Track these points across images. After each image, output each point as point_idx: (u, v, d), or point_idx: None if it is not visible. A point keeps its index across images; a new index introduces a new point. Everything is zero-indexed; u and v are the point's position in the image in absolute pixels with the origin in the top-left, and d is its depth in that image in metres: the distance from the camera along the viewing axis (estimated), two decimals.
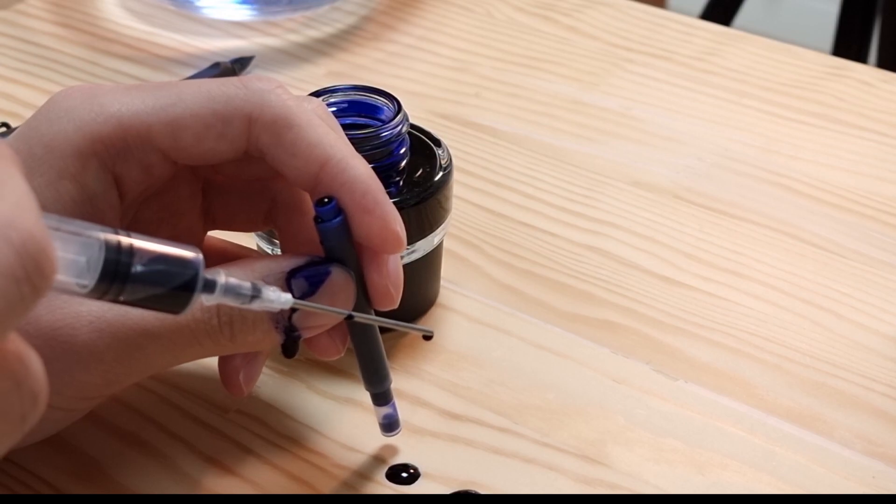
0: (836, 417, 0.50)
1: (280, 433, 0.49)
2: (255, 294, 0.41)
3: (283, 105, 0.44)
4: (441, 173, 0.53)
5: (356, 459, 0.48)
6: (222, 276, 0.40)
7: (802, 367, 0.53)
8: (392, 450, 0.48)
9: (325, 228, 0.44)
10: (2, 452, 0.31)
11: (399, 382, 0.51)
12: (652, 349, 0.53)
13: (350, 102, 0.53)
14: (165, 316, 0.41)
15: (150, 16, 0.78)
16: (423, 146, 0.54)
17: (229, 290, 0.40)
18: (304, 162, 0.44)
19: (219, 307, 0.43)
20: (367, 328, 0.46)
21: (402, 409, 0.50)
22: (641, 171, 0.65)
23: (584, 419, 0.50)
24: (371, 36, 0.77)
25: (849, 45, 1.41)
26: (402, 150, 0.52)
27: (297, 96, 0.46)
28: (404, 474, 0.47)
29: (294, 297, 0.42)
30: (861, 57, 1.40)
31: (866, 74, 0.74)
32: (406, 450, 0.48)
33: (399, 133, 0.51)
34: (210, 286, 0.39)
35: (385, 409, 0.47)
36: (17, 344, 0.31)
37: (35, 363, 0.31)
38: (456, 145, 0.65)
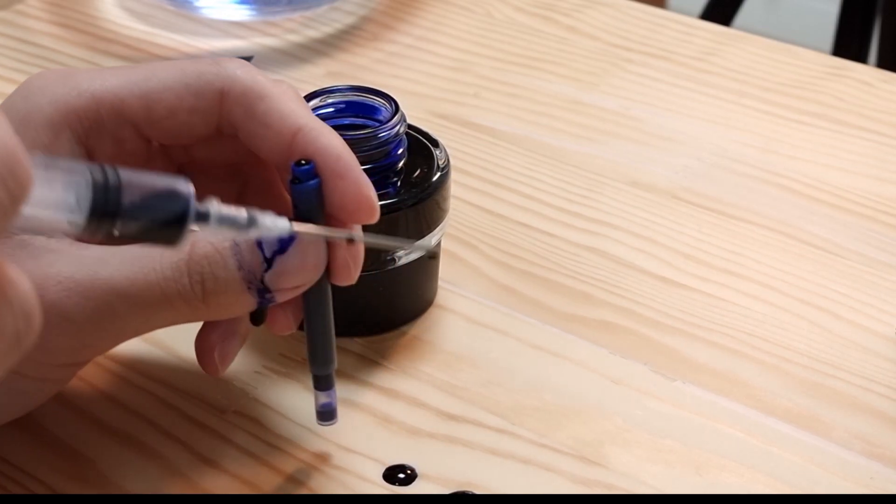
0: (834, 418, 0.50)
1: (277, 434, 0.49)
2: (251, 222, 0.40)
3: (253, 79, 0.45)
4: (439, 174, 0.53)
5: (353, 460, 0.48)
6: (215, 205, 0.40)
7: (801, 368, 0.53)
8: (389, 451, 0.48)
9: (302, 189, 0.44)
10: (1, 375, 0.31)
11: (396, 383, 0.51)
12: (650, 350, 0.53)
13: (347, 103, 0.53)
14: (135, 276, 0.42)
15: (149, 16, 0.78)
16: (421, 147, 0.54)
17: (224, 220, 0.40)
18: (276, 132, 0.44)
19: (189, 266, 0.43)
20: (320, 305, 0.46)
21: (400, 410, 0.50)
22: (640, 172, 0.65)
23: (581, 420, 0.50)
24: (370, 36, 0.77)
25: (849, 45, 1.41)
26: (400, 151, 0.52)
27: (268, 76, 0.46)
28: (401, 475, 0.47)
29: (265, 255, 0.42)
30: (861, 57, 1.40)
31: (866, 74, 0.74)
32: (403, 451, 0.48)
33: (397, 134, 0.51)
34: (204, 216, 0.39)
35: (325, 396, 0.47)
36: (7, 269, 0.30)
37: (24, 282, 0.31)
38: (454, 145, 0.65)
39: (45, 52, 0.75)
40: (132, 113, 0.45)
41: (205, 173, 0.48)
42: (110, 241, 0.37)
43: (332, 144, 0.44)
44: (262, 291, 0.44)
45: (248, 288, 0.44)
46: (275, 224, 0.41)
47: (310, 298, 0.46)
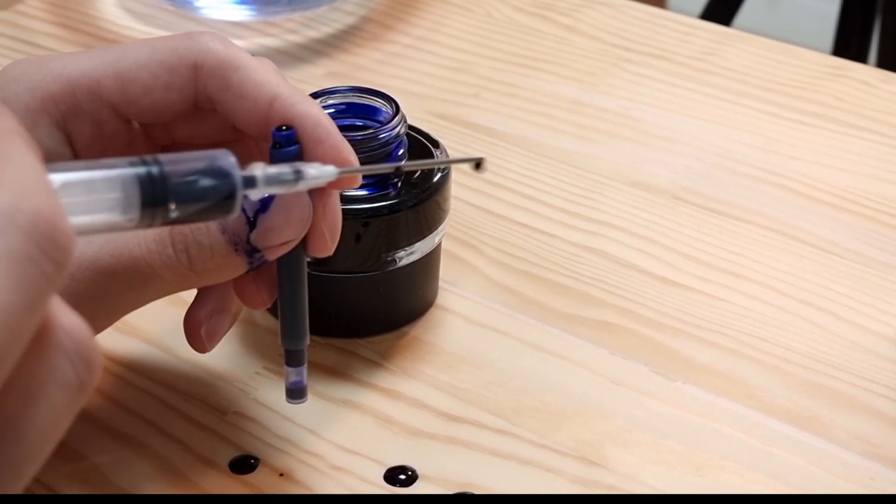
0: (834, 418, 0.50)
1: (277, 435, 0.49)
2: (298, 175, 0.41)
3: (226, 50, 0.45)
4: (439, 174, 0.53)
5: (354, 461, 0.48)
6: (259, 168, 0.40)
7: (800, 368, 0.53)
8: (390, 452, 0.48)
9: (282, 154, 0.43)
10: (67, 423, 0.31)
11: (397, 384, 0.51)
12: (650, 350, 0.53)
13: (348, 104, 0.53)
14: (120, 252, 0.42)
15: (149, 16, 0.78)
16: (422, 147, 0.54)
17: (271, 180, 0.40)
18: (252, 102, 0.44)
19: (172, 236, 0.43)
20: (293, 277, 0.45)
21: (400, 411, 0.50)
22: (640, 172, 0.65)
23: (582, 420, 0.50)
24: (370, 36, 0.77)
25: (849, 45, 1.41)
26: (401, 152, 0.52)
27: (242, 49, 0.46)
28: (402, 476, 0.47)
29: (248, 216, 0.43)
30: (861, 57, 1.40)
31: (866, 74, 0.74)
32: (404, 451, 0.48)
33: (397, 135, 0.51)
34: (251, 181, 0.39)
35: (295, 374, 0.46)
36: (60, 315, 0.30)
37: (81, 329, 0.31)
38: (455, 146, 0.65)
39: (45, 51, 0.75)
40: (108, 93, 0.45)
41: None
42: (168, 225, 0.38)
43: (309, 112, 0.44)
44: (251, 252, 0.44)
45: (236, 250, 0.44)
46: (321, 172, 0.41)
47: (283, 270, 0.45)
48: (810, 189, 0.64)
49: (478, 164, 0.43)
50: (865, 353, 0.54)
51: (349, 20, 0.78)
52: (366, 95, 0.53)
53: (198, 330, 0.46)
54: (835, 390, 0.52)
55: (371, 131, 0.51)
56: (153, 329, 0.53)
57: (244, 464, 0.47)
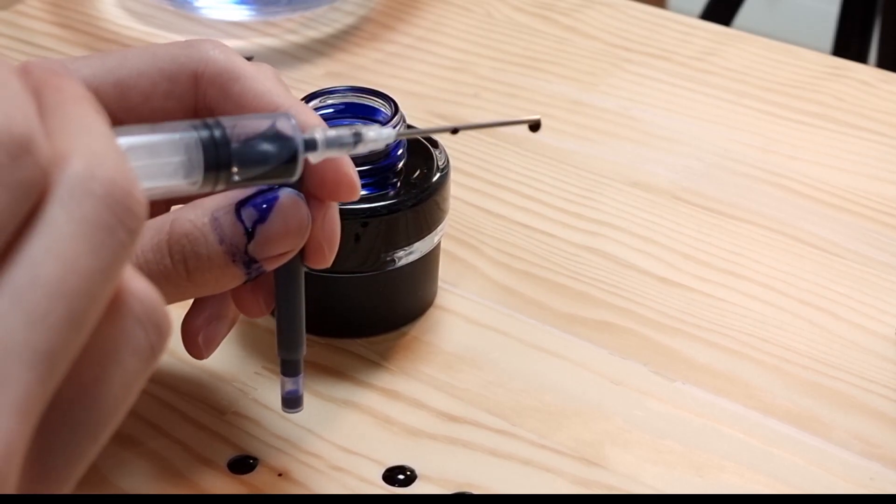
0: (834, 418, 0.50)
1: (277, 435, 0.49)
2: (357, 138, 0.41)
3: (227, 59, 0.45)
4: (438, 174, 0.53)
5: (353, 461, 0.48)
6: (319, 132, 0.40)
7: (800, 368, 0.53)
8: (389, 452, 0.48)
9: None
10: (140, 387, 0.31)
11: (396, 384, 0.51)
12: (650, 350, 0.53)
13: (347, 104, 0.53)
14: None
15: (149, 16, 0.78)
16: (421, 147, 0.54)
17: (332, 143, 0.40)
18: (252, 112, 0.44)
19: (170, 245, 0.43)
20: (291, 287, 0.45)
21: (400, 411, 0.50)
22: (640, 172, 0.65)
23: (581, 421, 0.50)
24: (370, 36, 0.77)
25: (849, 45, 1.41)
26: (400, 152, 0.52)
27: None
28: (401, 476, 0.47)
29: (246, 226, 0.43)
30: (861, 57, 1.40)
31: (866, 74, 0.73)
32: (403, 451, 0.48)
33: None
34: (312, 144, 0.40)
35: (291, 383, 0.46)
36: (131, 281, 0.31)
37: (151, 295, 0.31)
38: (454, 145, 0.65)
39: (45, 52, 0.75)
40: (107, 101, 0.44)
41: None
42: (231, 188, 0.38)
43: (309, 123, 0.44)
44: (249, 263, 0.44)
45: (233, 261, 0.44)
46: (379, 134, 0.41)
47: (280, 280, 0.45)
48: (810, 189, 0.64)
49: (534, 126, 0.43)
50: (865, 353, 0.54)
51: (349, 20, 0.78)
52: (365, 95, 0.53)
53: (195, 337, 0.46)
54: (835, 390, 0.52)
55: None
56: None
57: (243, 464, 0.47)
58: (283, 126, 0.39)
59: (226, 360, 0.52)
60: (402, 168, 0.52)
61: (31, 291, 0.28)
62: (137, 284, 0.31)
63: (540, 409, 0.50)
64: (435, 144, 0.54)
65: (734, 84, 0.72)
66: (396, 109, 0.52)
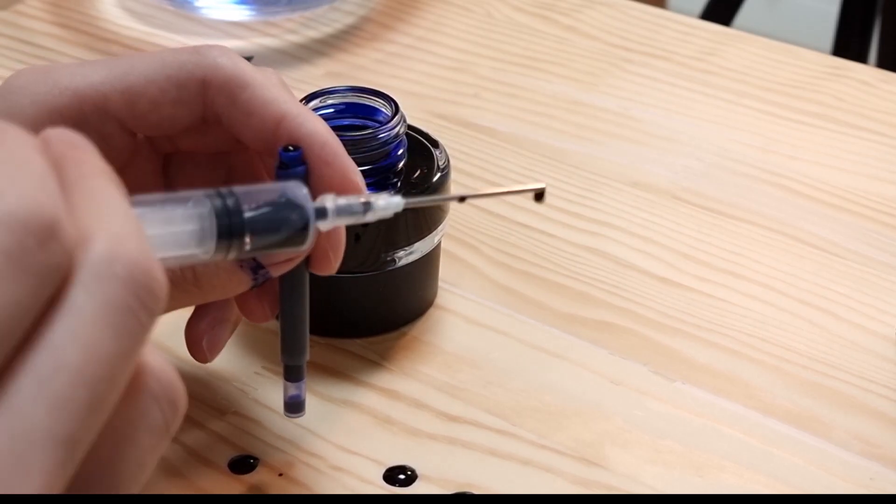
0: (833, 419, 0.50)
1: (277, 435, 0.49)
2: (367, 207, 0.41)
3: (235, 66, 0.45)
4: (439, 174, 0.53)
5: (353, 461, 0.48)
6: (330, 200, 0.40)
7: (800, 369, 0.53)
8: (389, 452, 0.48)
9: (288, 176, 0.43)
10: (153, 464, 0.31)
11: (396, 384, 0.51)
12: (650, 350, 0.53)
13: (347, 104, 0.53)
14: None
15: (149, 16, 0.78)
16: (421, 147, 0.54)
17: (342, 211, 0.41)
18: (259, 120, 0.44)
19: None
20: (295, 293, 0.45)
21: (400, 411, 0.50)
22: (640, 172, 0.65)
23: (581, 421, 0.50)
24: (370, 36, 0.77)
25: (849, 45, 1.40)
26: (400, 152, 0.52)
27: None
28: (401, 476, 0.47)
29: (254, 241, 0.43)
30: (861, 57, 1.40)
31: (866, 74, 0.73)
32: (403, 451, 0.48)
33: (396, 135, 0.51)
34: (322, 213, 0.40)
35: (294, 388, 0.46)
36: (147, 358, 0.31)
37: (168, 372, 0.31)
38: (454, 146, 0.65)
39: (45, 52, 0.75)
40: (115, 108, 0.44)
41: (191, 161, 0.48)
42: (242, 256, 0.39)
43: (317, 131, 0.44)
44: (256, 268, 0.44)
45: (241, 266, 0.44)
46: (388, 203, 0.41)
47: (285, 286, 0.45)
48: (810, 189, 0.64)
49: (538, 195, 0.43)
50: (865, 353, 0.54)
51: (349, 20, 0.78)
52: (365, 95, 0.53)
53: (199, 342, 0.46)
54: (835, 390, 0.52)
55: (370, 131, 0.51)
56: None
57: (244, 464, 0.47)
58: (296, 195, 0.39)
59: (226, 360, 0.52)
60: (402, 168, 0.52)
61: (54, 378, 0.28)
62: (154, 361, 0.31)
63: (540, 409, 0.50)
64: (435, 144, 0.54)
65: (734, 84, 0.72)
66: (397, 109, 0.52)
